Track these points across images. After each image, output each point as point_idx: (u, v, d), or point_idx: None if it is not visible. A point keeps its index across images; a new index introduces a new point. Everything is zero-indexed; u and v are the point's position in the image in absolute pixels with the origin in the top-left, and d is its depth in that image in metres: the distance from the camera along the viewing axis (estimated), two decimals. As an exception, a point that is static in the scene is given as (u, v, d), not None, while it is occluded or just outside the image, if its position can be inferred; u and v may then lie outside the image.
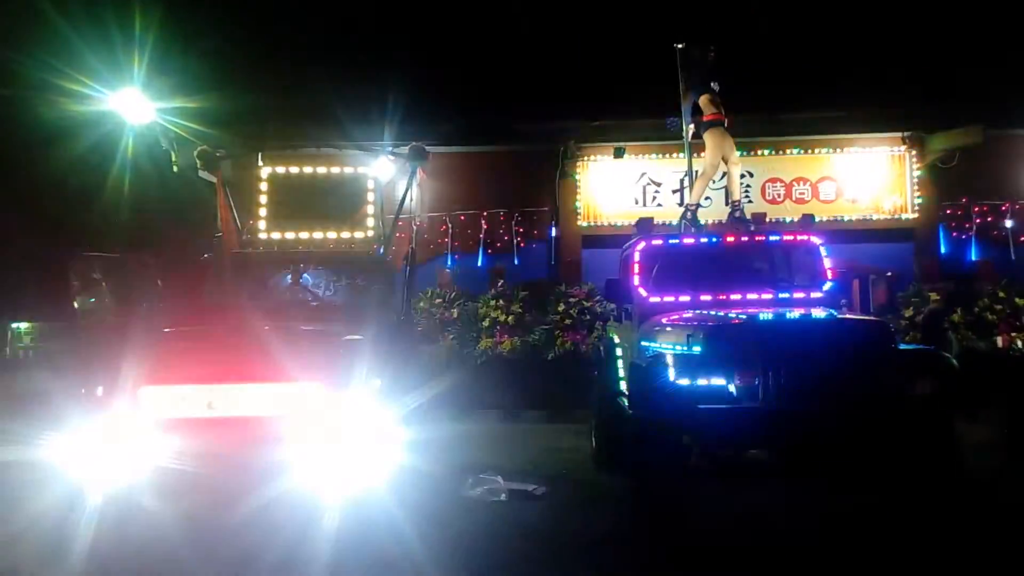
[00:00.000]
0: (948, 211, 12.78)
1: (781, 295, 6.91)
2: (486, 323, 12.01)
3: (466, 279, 12.79)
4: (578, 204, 13.23)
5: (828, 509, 5.59)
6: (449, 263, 13.10)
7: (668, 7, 13.32)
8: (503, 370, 11.65)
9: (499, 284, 12.36)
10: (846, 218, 12.91)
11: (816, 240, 7.19)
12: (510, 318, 12.01)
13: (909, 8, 13.50)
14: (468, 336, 12.02)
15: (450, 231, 13.20)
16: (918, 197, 12.85)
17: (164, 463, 4.98)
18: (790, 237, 7.29)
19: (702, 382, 5.39)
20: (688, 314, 6.49)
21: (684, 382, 5.42)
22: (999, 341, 11.28)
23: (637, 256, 7.23)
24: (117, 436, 4.98)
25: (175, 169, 11.02)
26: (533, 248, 13.35)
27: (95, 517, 4.99)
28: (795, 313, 5.72)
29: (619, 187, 13.22)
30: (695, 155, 9.29)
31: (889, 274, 11.42)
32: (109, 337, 6.25)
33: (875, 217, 12.93)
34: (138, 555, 4.97)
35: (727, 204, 12.49)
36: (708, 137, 8.42)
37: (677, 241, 7.42)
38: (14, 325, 12.70)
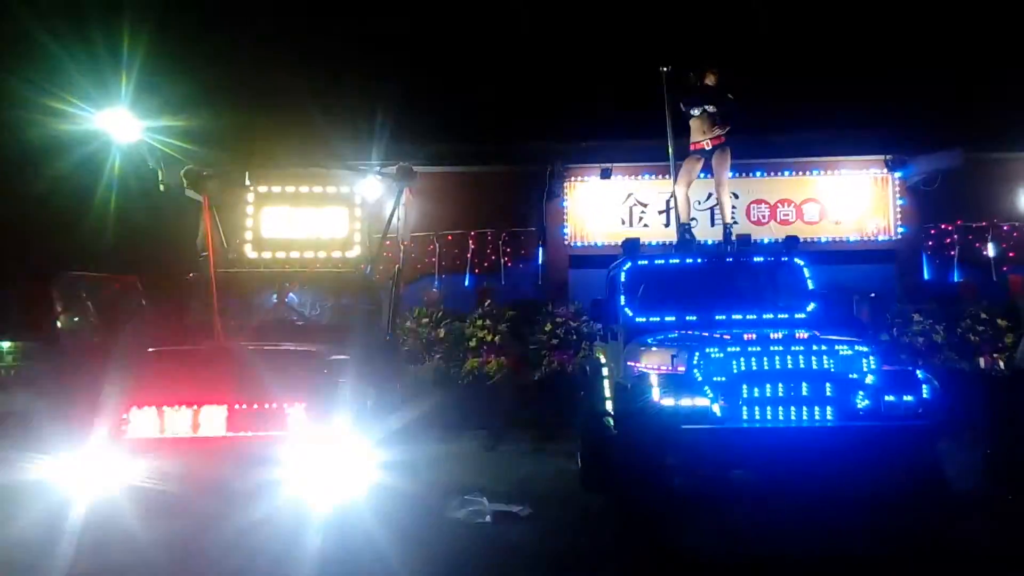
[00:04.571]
0: (931, 233, 12.93)
1: (765, 316, 6.96)
2: (473, 343, 11.99)
3: (453, 299, 12.78)
4: (565, 224, 13.31)
5: (811, 527, 5.61)
6: (436, 283, 13.10)
7: (655, 30, 13.50)
8: (489, 390, 11.62)
9: (486, 304, 12.36)
10: (830, 239, 13.04)
11: (800, 261, 7.25)
12: (497, 338, 11.99)
13: (889, 32, 13.72)
14: (455, 356, 11.99)
15: (437, 251, 13.23)
16: (900, 219, 13.01)
17: (146, 484, 4.94)
18: (775, 258, 7.36)
19: (685, 402, 5.42)
20: (673, 334, 6.52)
21: (668, 402, 5.44)
22: (981, 362, 11.36)
23: (623, 276, 7.27)
24: (99, 457, 4.93)
25: (162, 188, 10.99)
26: (520, 268, 13.38)
27: (76, 540, 4.94)
28: (778, 334, 5.77)
29: (606, 208, 13.31)
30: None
31: (873, 295, 11.53)
32: (92, 358, 6.20)
33: (858, 238, 13.07)
34: (120, 577, 4.94)
35: (712, 225, 12.72)
36: (685, 161, 8.51)
37: (663, 262, 7.47)
38: (-2, 344, 12.58)
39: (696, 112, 8.29)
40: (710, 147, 8.29)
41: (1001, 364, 11.24)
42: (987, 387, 10.96)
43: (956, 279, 12.67)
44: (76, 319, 6.90)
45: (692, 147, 8.45)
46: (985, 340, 11.45)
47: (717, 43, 13.19)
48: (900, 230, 13.02)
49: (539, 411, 11.28)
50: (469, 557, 5.62)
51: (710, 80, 8.45)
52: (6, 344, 12.21)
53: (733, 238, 7.95)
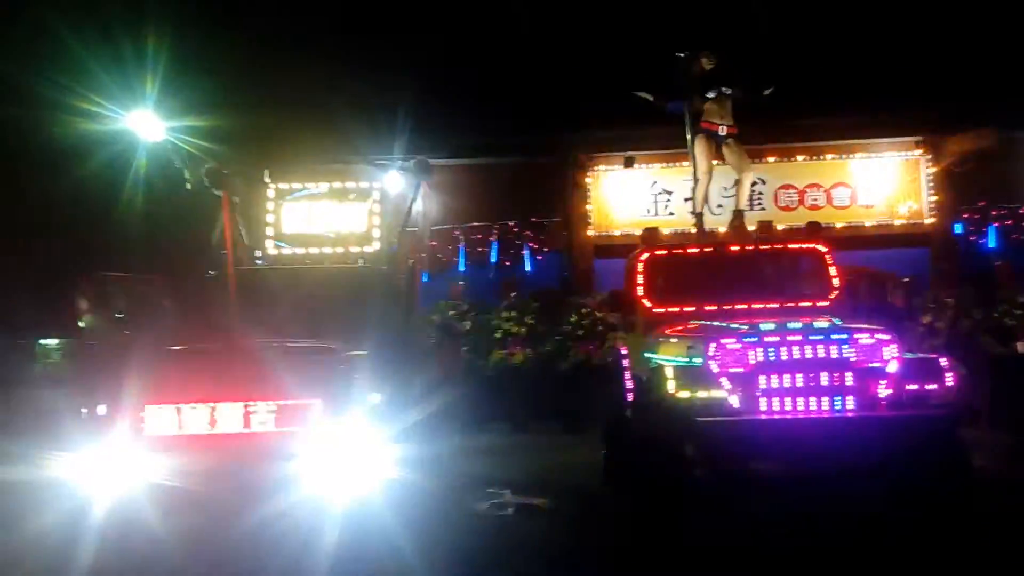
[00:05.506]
0: (965, 215, 12.63)
1: (787, 304, 6.84)
2: (498, 335, 11.98)
3: (478, 291, 12.78)
4: (589, 214, 13.24)
5: (830, 517, 5.55)
6: (461, 275, 13.11)
7: (677, 16, 13.28)
8: (516, 382, 11.62)
9: (511, 295, 12.34)
10: (861, 224, 12.81)
11: (822, 248, 7.11)
12: (523, 329, 11.97)
13: (919, 11, 13.37)
14: (481, 348, 11.99)
15: (462, 243, 13.24)
16: (934, 201, 12.73)
17: (165, 481, 5.01)
18: (796, 245, 7.24)
19: (702, 394, 5.36)
20: (692, 325, 6.45)
21: (684, 394, 5.39)
22: (1019, 346, 11.07)
23: (641, 267, 7.20)
24: (120, 454, 5.02)
25: (189, 187, 11.13)
26: (545, 259, 13.35)
27: (97, 537, 5.03)
28: (797, 323, 5.67)
29: (630, 196, 13.23)
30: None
31: (906, 280, 11.29)
32: (114, 356, 6.31)
33: (890, 222, 12.82)
34: (140, 573, 5.01)
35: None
36: (696, 144, 8.39)
37: (681, 251, 7.38)
38: (42, 341, 12.77)
39: (712, 95, 8.18)
40: (723, 133, 8.18)
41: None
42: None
43: (992, 262, 12.35)
44: (101, 319, 7.03)
45: (703, 125, 8.32)
46: (1023, 323, 11.15)
47: (742, 25, 12.95)
48: (933, 212, 12.74)
49: (567, 402, 11.28)
50: (487, 551, 5.62)
51: (713, 64, 8.34)
52: (53, 342, 12.43)
53: (747, 226, 7.85)
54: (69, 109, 11.10)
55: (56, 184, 12.44)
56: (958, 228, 12.63)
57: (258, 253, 7.82)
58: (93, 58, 11.62)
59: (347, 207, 7.97)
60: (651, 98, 8.57)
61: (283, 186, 8.06)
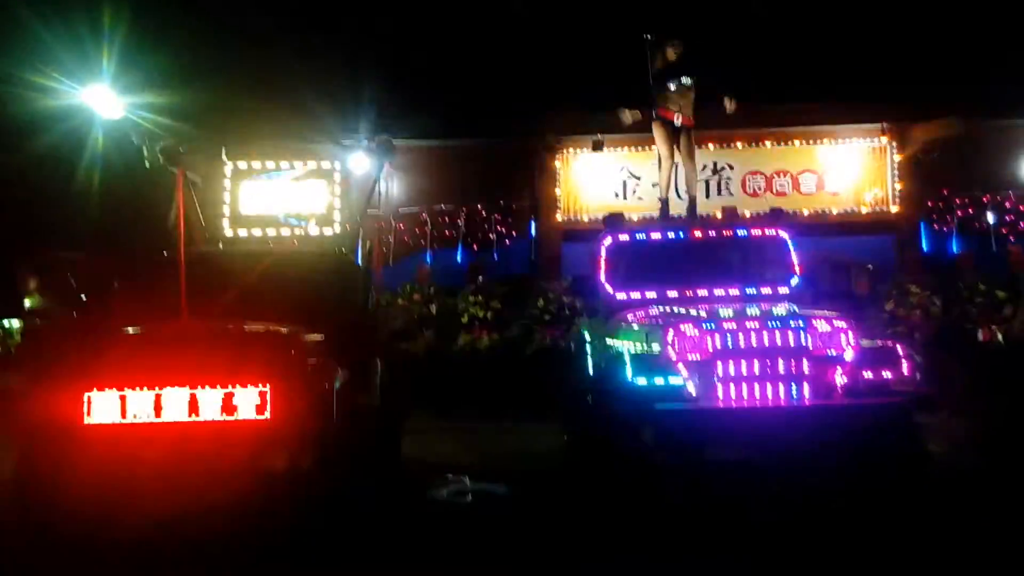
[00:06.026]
0: (930, 203, 12.72)
1: (748, 290, 6.83)
2: (464, 319, 11.89)
3: (445, 274, 12.68)
4: (558, 198, 13.15)
5: (788, 503, 5.56)
6: (428, 258, 13.00)
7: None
8: (481, 366, 11.54)
9: (478, 279, 12.25)
10: (827, 211, 12.86)
11: (784, 234, 7.10)
12: (489, 314, 11.89)
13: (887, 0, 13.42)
14: (447, 332, 11.90)
15: (429, 226, 13.11)
16: (899, 189, 12.80)
17: (107, 469, 4.86)
18: (758, 231, 7.21)
19: (659, 381, 5.32)
20: (653, 311, 6.41)
21: (642, 381, 5.34)
22: (980, 334, 11.18)
23: (604, 252, 7.15)
24: (59, 442, 4.86)
25: (148, 165, 10.86)
26: (513, 243, 13.26)
27: (34, 531, 4.89)
28: (755, 309, 5.65)
29: (599, 181, 13.16)
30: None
31: (870, 267, 11.35)
32: (58, 338, 6.11)
33: (856, 209, 12.88)
34: (81, 565, 4.87)
35: (707, 198, 12.54)
36: (655, 130, 8.36)
37: (644, 237, 7.34)
38: (6, 322, 12.47)
39: (672, 87, 8.14)
40: (679, 123, 8.15)
41: (999, 336, 11.07)
42: (985, 359, 10.81)
43: (955, 250, 12.47)
44: (46, 298, 6.83)
45: (660, 112, 8.28)
46: (983, 312, 11.26)
47: (709, 10, 12.90)
48: (899, 200, 12.81)
49: (533, 387, 11.21)
50: (444, 539, 5.56)
51: (677, 55, 8.29)
52: (16, 323, 12.12)
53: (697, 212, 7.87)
54: (22, 83, 10.79)
55: (9, 161, 12.12)
56: (923, 216, 12.70)
57: (214, 234, 7.61)
58: (49, 31, 11.31)
59: (308, 187, 7.77)
60: (629, 121, 8.56)
61: (242, 165, 7.84)
